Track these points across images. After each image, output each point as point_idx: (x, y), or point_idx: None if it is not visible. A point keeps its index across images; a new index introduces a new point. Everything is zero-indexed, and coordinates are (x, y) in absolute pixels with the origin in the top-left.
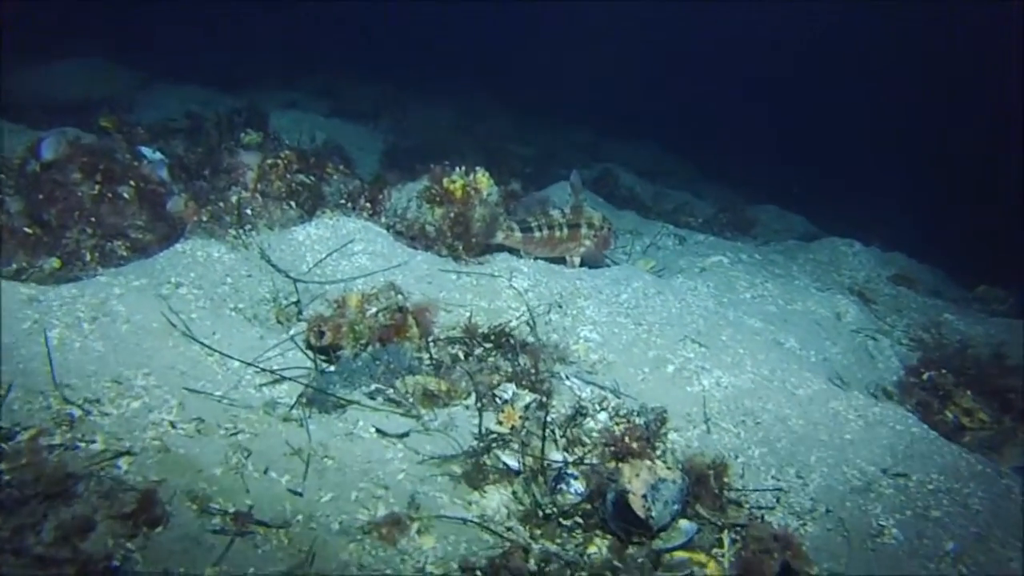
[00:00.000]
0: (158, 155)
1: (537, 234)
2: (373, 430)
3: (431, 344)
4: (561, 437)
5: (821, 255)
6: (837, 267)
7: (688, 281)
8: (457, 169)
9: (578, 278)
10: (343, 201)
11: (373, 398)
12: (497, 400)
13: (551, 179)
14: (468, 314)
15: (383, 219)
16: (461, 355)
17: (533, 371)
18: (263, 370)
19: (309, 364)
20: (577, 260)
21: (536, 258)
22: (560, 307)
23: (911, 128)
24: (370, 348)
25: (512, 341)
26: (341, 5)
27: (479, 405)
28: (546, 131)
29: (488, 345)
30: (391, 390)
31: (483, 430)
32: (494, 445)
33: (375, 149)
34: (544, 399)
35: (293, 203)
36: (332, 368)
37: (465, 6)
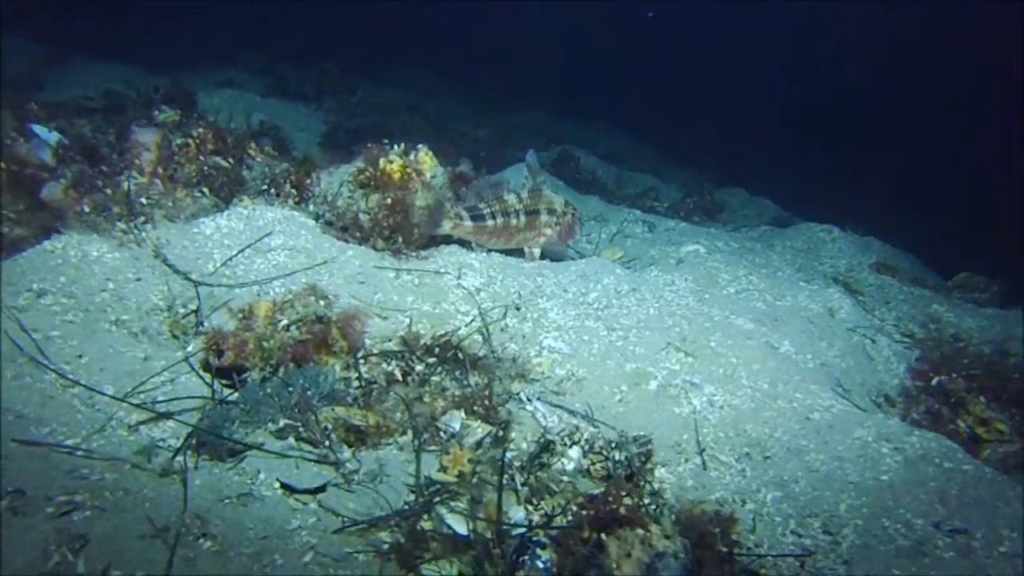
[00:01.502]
0: (54, 134)
1: (490, 222)
2: (278, 485)
3: (360, 361)
4: (523, 485)
5: (798, 242)
6: (817, 254)
7: (664, 275)
8: (395, 147)
9: (539, 274)
10: (265, 187)
11: (282, 437)
12: (442, 434)
13: (506, 162)
14: (408, 321)
15: (310, 207)
16: (398, 374)
17: (487, 394)
18: (139, 406)
19: (206, 391)
20: (537, 252)
21: (489, 251)
22: (518, 309)
23: (884, 112)
24: (282, 370)
25: (461, 355)
26: None
27: (417, 445)
28: (500, 112)
29: (432, 360)
30: (305, 427)
31: (422, 480)
32: (436, 501)
33: (316, 131)
34: (501, 431)
35: (206, 189)
36: (234, 396)
37: None
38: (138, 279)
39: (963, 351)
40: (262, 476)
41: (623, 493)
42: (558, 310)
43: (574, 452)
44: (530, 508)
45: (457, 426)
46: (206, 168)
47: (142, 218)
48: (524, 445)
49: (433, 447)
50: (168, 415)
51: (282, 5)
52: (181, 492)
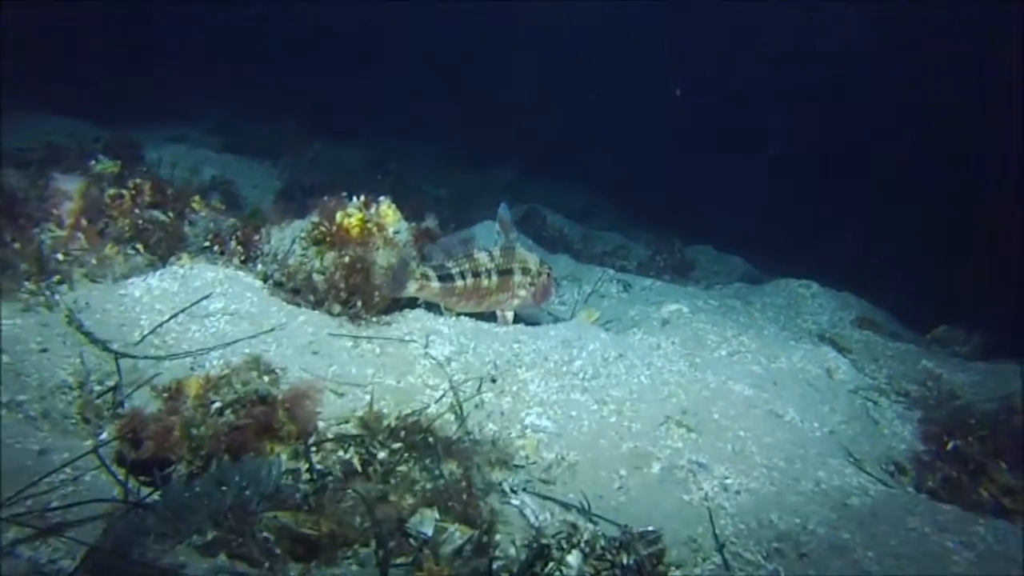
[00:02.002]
0: None
1: (459, 283)
2: None
3: (312, 449)
4: None
5: (777, 298)
6: (798, 310)
7: (649, 337)
8: (354, 199)
9: (516, 340)
10: (208, 244)
11: (211, 555)
12: (412, 542)
13: (472, 220)
14: (368, 398)
15: (258, 267)
16: (357, 464)
17: (464, 487)
18: (16, 522)
19: (118, 492)
20: (510, 316)
21: (459, 315)
22: (494, 382)
23: (844, 166)
24: (214, 463)
25: (432, 439)
26: (245, 37)
27: (382, 558)
28: (465, 171)
29: (397, 446)
30: (240, 540)
31: None
32: None
33: (271, 188)
34: (484, 535)
35: (140, 246)
36: (153, 498)
37: (375, 47)
38: (43, 350)
39: (968, 410)
40: None
41: None
42: (539, 381)
43: (573, 558)
44: None
45: (429, 530)
46: (141, 222)
47: (56, 277)
48: (512, 551)
49: (401, 559)
50: (56, 529)
51: (241, 68)
52: None
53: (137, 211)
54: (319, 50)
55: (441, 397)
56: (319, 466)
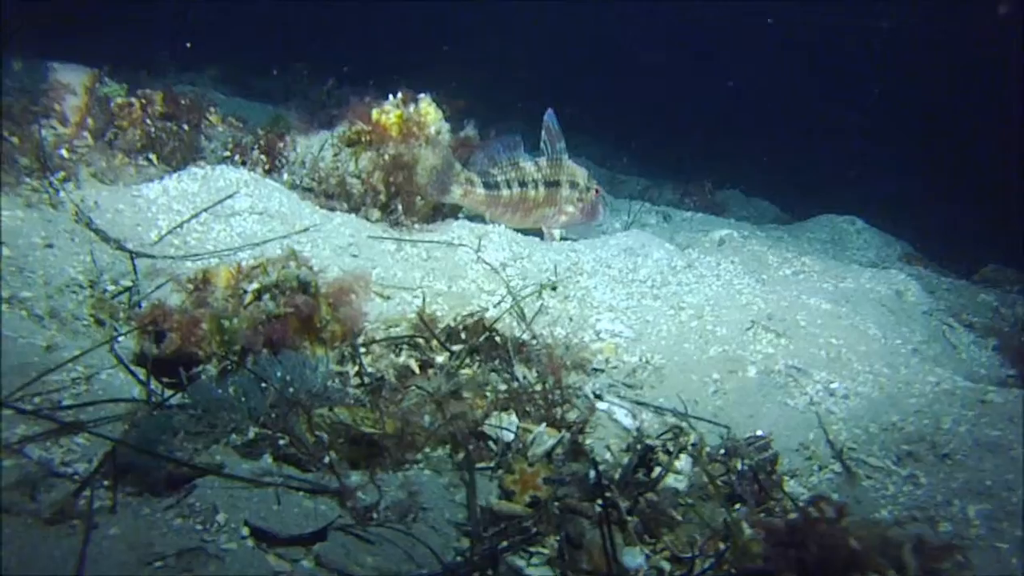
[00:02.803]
0: None
1: (505, 192)
2: (247, 531)
3: (360, 350)
4: (630, 515)
5: (822, 233)
6: (843, 246)
7: (705, 256)
8: (391, 97)
9: (572, 249)
10: (228, 153)
11: (253, 456)
12: (492, 445)
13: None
14: (418, 302)
15: (284, 176)
16: (414, 367)
17: (541, 390)
18: (25, 411)
19: (138, 393)
20: (557, 234)
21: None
22: (555, 289)
23: (872, 112)
24: (250, 359)
25: (499, 339)
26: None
27: (467, 459)
28: (480, 123)
29: (458, 347)
30: (287, 439)
31: (478, 514)
32: (506, 546)
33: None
34: (579, 436)
35: (153, 156)
36: (178, 400)
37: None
38: (49, 245)
39: None
40: (221, 518)
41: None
42: (604, 289)
43: (683, 463)
44: (648, 553)
45: (511, 434)
46: (153, 131)
47: (61, 174)
48: (608, 456)
49: (482, 464)
50: (71, 428)
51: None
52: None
53: (148, 122)
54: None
55: (500, 302)
56: (371, 369)
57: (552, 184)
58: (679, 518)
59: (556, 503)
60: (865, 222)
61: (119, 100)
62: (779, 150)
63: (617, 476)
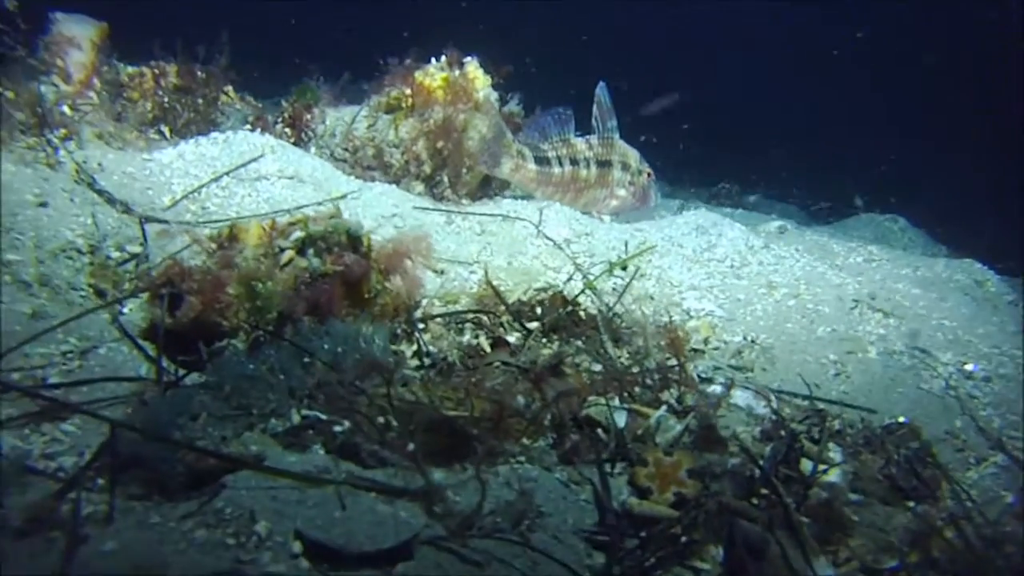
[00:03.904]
0: None
1: (556, 170)
2: (299, 547)
3: (419, 324)
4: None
5: (865, 232)
6: (889, 244)
7: (773, 242)
8: (434, 60)
9: (637, 228)
10: (248, 127)
11: (299, 446)
12: (601, 434)
13: None
14: (476, 276)
15: (312, 150)
16: (485, 346)
17: (658, 367)
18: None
19: (146, 371)
20: (607, 218)
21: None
22: (624, 269)
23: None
24: (289, 329)
25: (583, 315)
26: None
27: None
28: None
29: (533, 325)
30: (345, 423)
31: (611, 518)
32: (655, 561)
33: None
34: (714, 420)
35: (166, 128)
36: (194, 379)
37: None
38: (42, 204)
39: None
40: (262, 528)
41: None
42: (680, 268)
43: (836, 454)
44: (835, 571)
45: (621, 420)
46: (166, 102)
47: (62, 131)
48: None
49: (591, 457)
50: (63, 406)
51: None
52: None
53: (161, 93)
54: None
55: (568, 279)
56: (433, 347)
57: (604, 164)
58: (855, 519)
59: (706, 502)
60: (907, 220)
61: (129, 70)
62: (800, 155)
63: (764, 465)
